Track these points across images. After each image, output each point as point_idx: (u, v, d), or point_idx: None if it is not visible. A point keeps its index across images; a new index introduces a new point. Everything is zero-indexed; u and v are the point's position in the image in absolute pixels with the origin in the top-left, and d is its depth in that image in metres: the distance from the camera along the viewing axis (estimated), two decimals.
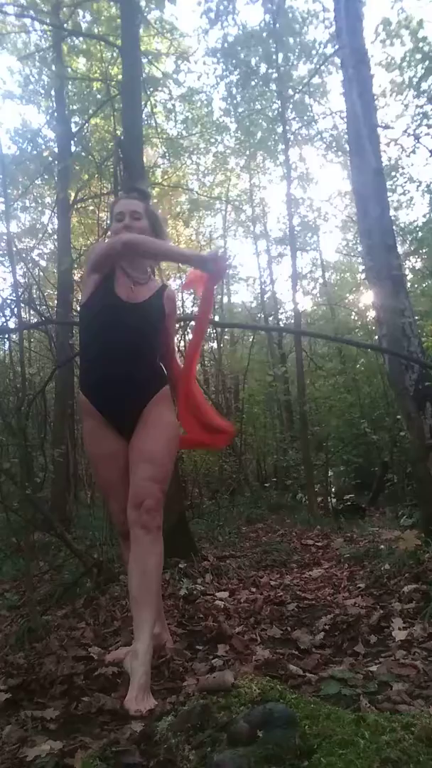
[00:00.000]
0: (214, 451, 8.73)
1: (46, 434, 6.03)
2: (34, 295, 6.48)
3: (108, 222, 9.38)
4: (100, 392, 1.99)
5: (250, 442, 11.27)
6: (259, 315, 14.57)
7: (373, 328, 10.27)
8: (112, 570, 3.17)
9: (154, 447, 1.92)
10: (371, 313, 9.80)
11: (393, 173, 9.78)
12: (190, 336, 13.12)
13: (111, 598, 2.85)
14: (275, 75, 9.44)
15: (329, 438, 9.52)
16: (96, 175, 7.12)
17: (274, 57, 9.27)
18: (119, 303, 2.01)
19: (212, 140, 10.80)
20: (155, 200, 9.87)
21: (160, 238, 2.12)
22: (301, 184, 11.92)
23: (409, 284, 9.27)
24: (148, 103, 7.00)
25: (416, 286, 10.66)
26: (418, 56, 8.26)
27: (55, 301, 7.78)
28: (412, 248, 10.04)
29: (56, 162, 7.30)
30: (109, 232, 2.31)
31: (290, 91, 9.57)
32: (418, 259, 10.67)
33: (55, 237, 8.58)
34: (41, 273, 9.74)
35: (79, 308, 2.21)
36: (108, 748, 1.28)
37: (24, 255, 8.71)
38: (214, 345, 12.91)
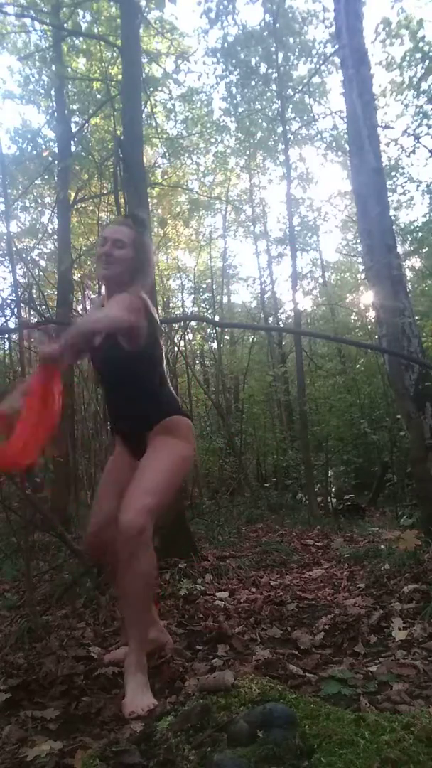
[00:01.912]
0: (213, 452, 8.76)
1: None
2: (34, 295, 6.49)
3: (107, 222, 9.40)
4: (115, 429, 2.06)
5: (250, 442, 11.27)
6: (259, 315, 14.58)
7: (371, 327, 10.30)
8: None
9: (145, 464, 1.88)
10: (371, 313, 9.80)
11: (393, 173, 9.79)
12: (190, 336, 13.10)
13: (111, 598, 2.85)
14: (275, 75, 9.45)
15: (329, 438, 9.53)
16: (96, 175, 7.12)
17: (274, 57, 9.28)
18: (93, 350, 2.05)
19: (212, 140, 10.79)
20: (155, 200, 9.89)
21: (143, 271, 2.03)
22: (301, 184, 11.95)
23: (409, 284, 9.27)
24: (148, 103, 6.99)
25: (416, 286, 10.67)
26: (418, 56, 8.26)
27: (55, 301, 7.78)
28: (412, 248, 10.04)
29: (56, 162, 7.29)
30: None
31: (290, 91, 9.57)
32: (418, 259, 10.67)
33: (55, 237, 8.58)
34: (41, 273, 9.75)
35: None
36: (108, 748, 1.28)
37: (24, 255, 8.73)
38: (214, 345, 12.93)
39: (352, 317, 13.46)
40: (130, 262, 1.99)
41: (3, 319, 4.35)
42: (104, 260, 1.98)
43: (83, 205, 8.83)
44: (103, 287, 2.11)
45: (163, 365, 2.07)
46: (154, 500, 1.79)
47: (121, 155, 3.94)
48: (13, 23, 7.45)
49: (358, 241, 6.91)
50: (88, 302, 8.56)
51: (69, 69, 7.47)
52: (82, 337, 1.82)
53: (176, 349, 10.19)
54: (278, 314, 14.60)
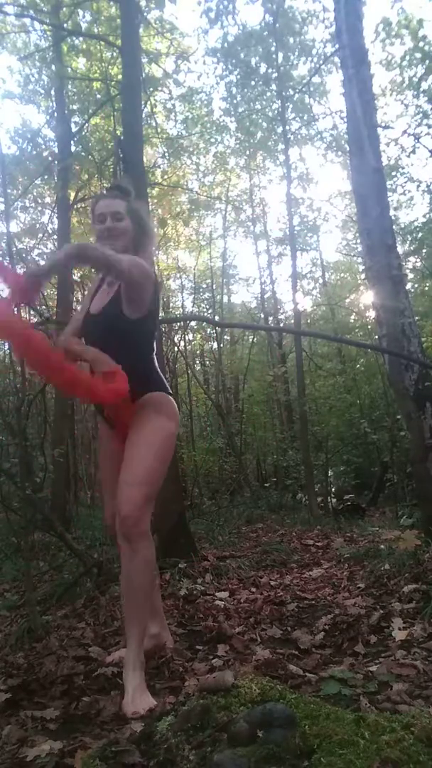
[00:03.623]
0: (213, 452, 8.76)
1: (46, 434, 6.02)
2: None
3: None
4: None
5: (250, 442, 11.28)
6: (259, 315, 14.57)
7: (371, 327, 10.30)
8: (112, 570, 3.17)
9: (133, 451, 1.88)
10: (371, 313, 9.80)
11: (393, 173, 9.78)
12: (190, 336, 13.09)
13: (111, 598, 2.85)
14: (275, 75, 9.45)
15: (329, 438, 9.53)
16: (96, 175, 7.12)
17: (274, 57, 9.27)
18: (87, 317, 2.03)
19: (212, 140, 10.80)
20: (155, 200, 9.88)
21: (146, 236, 2.05)
22: (301, 184, 11.94)
23: (409, 284, 9.28)
24: (148, 103, 7.00)
25: (416, 286, 10.67)
26: (418, 56, 8.25)
27: (55, 301, 7.79)
28: (412, 248, 10.04)
29: (56, 162, 7.30)
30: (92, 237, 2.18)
31: (290, 91, 9.57)
32: (418, 259, 10.67)
33: (55, 237, 8.58)
34: None
35: None
36: (108, 748, 1.28)
37: (24, 255, 8.73)
38: (214, 345, 12.92)
39: (352, 317, 13.46)
40: (132, 232, 1.99)
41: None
42: (107, 235, 1.95)
43: (83, 205, 8.82)
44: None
45: (153, 342, 2.05)
46: (146, 488, 1.82)
47: (121, 155, 3.94)
48: (13, 23, 7.46)
49: (358, 241, 6.91)
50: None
51: (69, 69, 7.47)
52: (96, 263, 1.76)
53: (176, 349, 10.21)
54: (278, 314, 14.60)
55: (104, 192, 2.13)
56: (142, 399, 1.94)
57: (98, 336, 1.96)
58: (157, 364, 2.06)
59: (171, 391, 2.08)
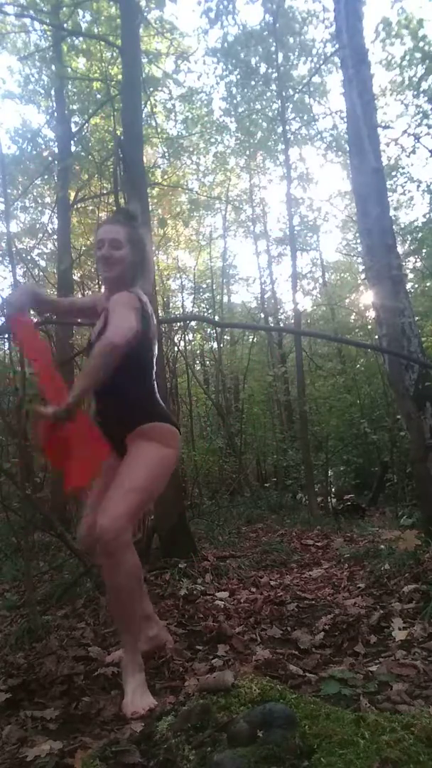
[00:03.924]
0: (213, 452, 8.76)
1: None
2: None
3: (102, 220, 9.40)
4: (97, 425, 1.97)
5: (250, 442, 11.27)
6: (259, 315, 14.57)
7: (371, 327, 10.30)
8: None
9: (125, 468, 1.84)
10: (371, 313, 9.81)
11: (393, 173, 9.78)
12: (190, 336, 13.07)
13: None
14: (275, 75, 9.45)
15: (329, 438, 9.52)
16: (96, 175, 7.12)
17: (274, 57, 9.27)
18: (88, 344, 2.04)
19: (212, 140, 10.80)
20: (155, 200, 9.88)
21: (144, 267, 2.01)
22: (301, 184, 11.94)
23: (409, 284, 9.28)
24: (148, 103, 7.00)
25: (416, 286, 10.67)
26: (418, 56, 8.25)
27: None
28: (412, 248, 10.04)
29: (56, 162, 7.30)
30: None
31: (290, 91, 9.57)
32: (418, 259, 10.67)
33: (55, 237, 8.58)
34: (41, 273, 9.76)
35: None
36: (108, 748, 1.28)
37: (24, 255, 8.73)
38: (214, 345, 12.92)
39: (352, 317, 13.45)
40: (129, 261, 1.97)
41: (3, 318, 4.34)
42: (104, 263, 1.96)
43: (83, 205, 8.82)
44: (104, 288, 2.09)
45: (153, 371, 2.00)
46: (131, 504, 1.77)
47: (121, 155, 3.94)
48: (13, 23, 7.46)
49: (358, 241, 6.92)
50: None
51: (69, 69, 7.47)
52: (86, 392, 1.77)
53: (176, 349, 10.21)
54: (278, 314, 14.60)
55: (108, 216, 2.13)
56: (141, 428, 1.90)
57: None
58: (158, 395, 2.00)
59: (174, 421, 2.03)
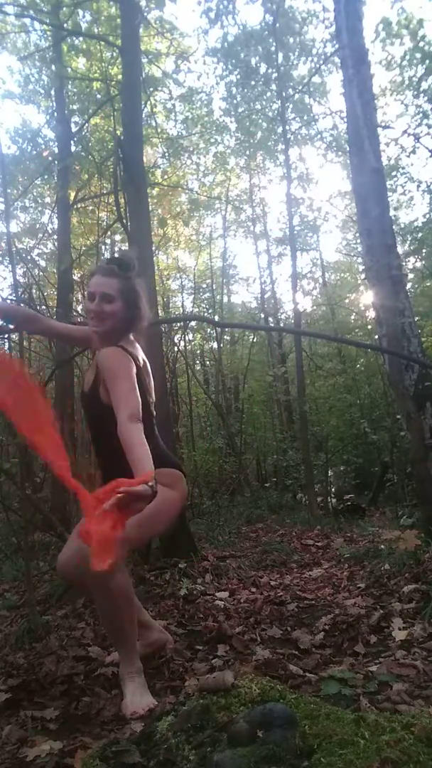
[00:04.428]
0: (213, 452, 8.75)
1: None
2: (34, 295, 6.49)
3: (107, 222, 9.35)
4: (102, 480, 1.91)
5: (250, 442, 11.26)
6: (259, 315, 14.57)
7: (371, 327, 10.30)
8: None
9: None
10: (371, 313, 9.81)
11: (393, 173, 9.78)
12: (190, 336, 13.05)
13: None
14: (275, 75, 9.45)
15: (329, 438, 9.53)
16: (96, 175, 7.12)
17: (274, 57, 9.27)
18: (80, 395, 2.00)
19: (212, 140, 10.79)
20: (155, 200, 9.88)
21: (135, 320, 1.90)
22: (301, 184, 11.94)
23: (409, 284, 9.28)
24: (148, 103, 7.00)
25: (416, 286, 10.67)
26: (418, 56, 8.26)
27: (55, 301, 7.78)
28: (412, 248, 10.05)
29: (56, 162, 7.30)
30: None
31: (290, 91, 9.57)
32: (418, 259, 10.67)
33: (55, 237, 8.58)
34: (41, 273, 9.75)
35: None
36: (108, 748, 1.28)
37: (24, 255, 8.72)
38: (214, 345, 12.92)
39: (352, 317, 13.45)
40: (121, 315, 1.85)
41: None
42: (94, 317, 1.84)
43: (83, 205, 8.83)
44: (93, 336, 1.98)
45: (152, 418, 1.93)
46: (128, 539, 1.66)
47: (121, 155, 3.94)
48: (13, 23, 7.46)
49: (358, 241, 6.91)
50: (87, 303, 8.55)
51: (69, 69, 7.47)
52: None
53: (176, 349, 10.20)
54: (278, 314, 14.60)
55: (102, 265, 2.00)
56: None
57: (87, 417, 1.96)
58: (158, 443, 1.93)
59: (178, 464, 1.99)
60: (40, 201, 10.73)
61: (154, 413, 1.99)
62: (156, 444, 1.93)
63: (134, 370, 1.79)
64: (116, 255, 2.26)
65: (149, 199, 6.33)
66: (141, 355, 1.92)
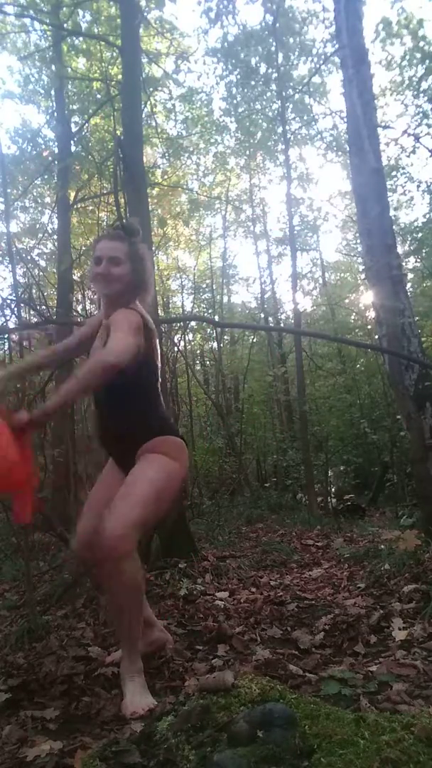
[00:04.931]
0: (213, 452, 8.76)
1: (46, 434, 6.03)
2: (34, 295, 6.49)
3: (107, 222, 9.37)
4: (99, 442, 1.95)
5: (250, 442, 11.26)
6: (259, 315, 14.57)
7: (371, 327, 10.30)
8: None
9: (131, 479, 1.82)
10: (371, 313, 9.81)
11: (393, 173, 9.79)
12: (190, 336, 13.04)
13: None
14: (275, 75, 9.45)
15: (329, 438, 9.53)
16: (96, 175, 7.12)
17: (274, 57, 9.28)
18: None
19: (212, 140, 10.80)
20: (155, 200, 9.87)
21: (143, 285, 1.94)
22: (301, 184, 11.95)
23: (409, 284, 9.28)
24: (148, 103, 7.00)
25: (416, 286, 10.68)
26: (418, 56, 8.26)
27: (55, 301, 7.79)
28: (412, 248, 10.05)
29: (56, 162, 7.31)
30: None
31: (290, 91, 9.57)
32: (418, 259, 10.68)
33: (55, 237, 8.59)
34: (41, 273, 9.75)
35: None
36: (108, 748, 1.28)
37: (24, 255, 8.73)
38: (214, 345, 12.92)
39: (352, 317, 13.46)
40: (128, 278, 1.89)
41: (3, 319, 4.34)
42: (102, 280, 1.88)
43: (83, 205, 8.83)
44: (102, 304, 2.00)
45: (157, 384, 1.96)
46: (138, 514, 1.72)
47: (121, 155, 3.94)
48: (13, 23, 7.46)
49: (358, 241, 6.92)
50: (87, 303, 8.56)
51: (69, 69, 7.48)
52: (66, 402, 1.72)
53: (176, 349, 10.20)
54: (278, 314, 14.60)
55: (107, 231, 2.02)
56: (148, 444, 1.87)
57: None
58: (163, 408, 1.99)
59: (180, 435, 2.00)
60: (40, 201, 10.73)
61: (160, 379, 2.00)
62: (159, 412, 1.96)
63: (141, 328, 1.82)
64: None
65: (149, 199, 6.33)
66: (151, 320, 1.94)
